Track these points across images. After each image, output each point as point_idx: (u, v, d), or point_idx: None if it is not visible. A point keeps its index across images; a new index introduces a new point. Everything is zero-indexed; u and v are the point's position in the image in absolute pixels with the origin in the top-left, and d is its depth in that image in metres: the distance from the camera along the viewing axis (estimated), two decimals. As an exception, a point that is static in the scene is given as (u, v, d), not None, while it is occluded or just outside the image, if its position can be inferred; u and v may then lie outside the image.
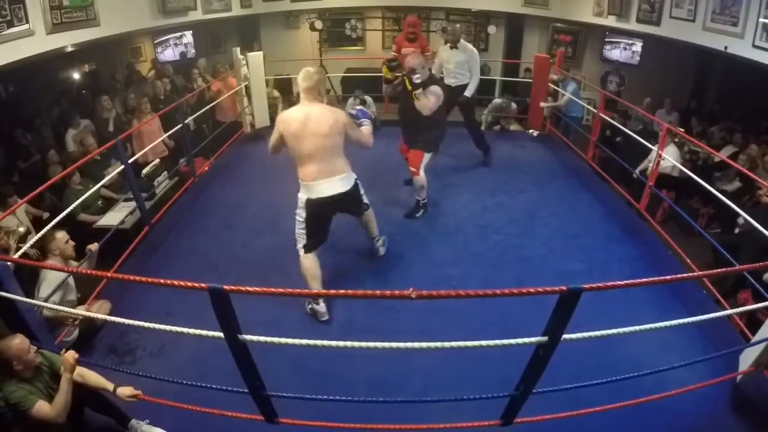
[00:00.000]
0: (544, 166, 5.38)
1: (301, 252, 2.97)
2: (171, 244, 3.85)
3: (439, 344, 1.72)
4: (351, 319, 2.99)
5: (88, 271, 2.84)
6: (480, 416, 2.03)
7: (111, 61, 7.65)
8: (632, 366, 2.21)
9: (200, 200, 4.58)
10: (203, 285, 1.58)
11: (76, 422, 2.24)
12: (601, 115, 5.30)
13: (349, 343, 1.78)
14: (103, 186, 4.13)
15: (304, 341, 1.78)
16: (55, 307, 2.46)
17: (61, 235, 2.94)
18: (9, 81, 6.52)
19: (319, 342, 1.78)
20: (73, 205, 3.43)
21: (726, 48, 4.73)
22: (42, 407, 2.04)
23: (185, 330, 1.80)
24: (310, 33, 9.19)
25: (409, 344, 1.73)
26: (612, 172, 5.15)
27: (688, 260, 3.48)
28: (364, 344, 1.75)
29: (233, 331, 1.69)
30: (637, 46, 8.31)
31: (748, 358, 2.41)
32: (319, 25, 8.79)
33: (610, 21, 6.78)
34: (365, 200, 3.17)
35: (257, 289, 1.62)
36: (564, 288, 1.54)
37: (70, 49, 4.67)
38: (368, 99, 6.45)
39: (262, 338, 1.75)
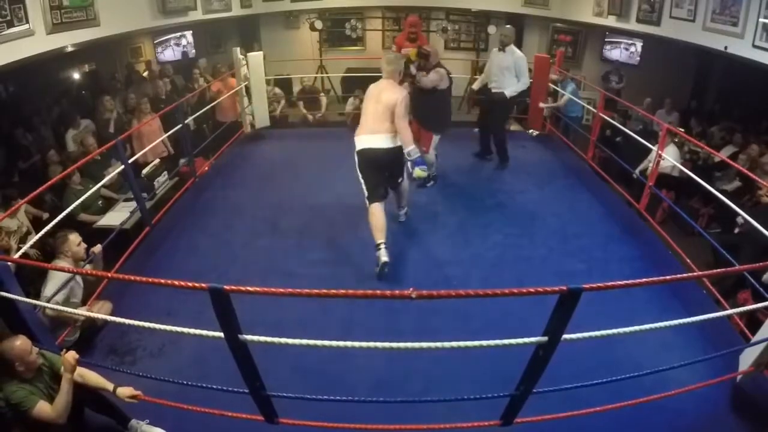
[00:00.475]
0: (544, 166, 5.38)
1: (367, 203, 3.45)
2: (171, 244, 3.85)
3: (439, 344, 1.72)
4: (351, 319, 2.99)
5: (89, 272, 2.84)
6: (480, 416, 2.03)
7: (111, 61, 7.65)
8: (632, 366, 2.21)
9: (200, 200, 4.58)
10: (204, 285, 1.58)
11: (76, 422, 2.24)
12: (601, 115, 5.30)
13: (349, 343, 1.78)
14: (103, 186, 4.13)
15: (304, 341, 1.78)
16: (56, 307, 2.46)
17: (74, 237, 2.93)
18: (9, 81, 6.50)
19: (319, 342, 1.78)
20: (73, 205, 3.42)
21: (726, 48, 4.73)
22: (43, 408, 2.04)
23: (185, 330, 1.80)
24: (310, 33, 9.21)
25: (409, 344, 1.73)
26: (612, 172, 5.15)
27: (688, 260, 3.48)
28: (364, 344, 1.75)
29: (233, 331, 1.70)
30: (637, 46, 8.31)
31: (748, 358, 2.41)
32: (319, 25, 8.81)
33: (610, 21, 6.78)
34: (408, 171, 3.60)
35: (257, 289, 1.62)
36: (564, 288, 1.55)
37: (70, 49, 4.67)
38: None
39: (263, 338, 1.75)
